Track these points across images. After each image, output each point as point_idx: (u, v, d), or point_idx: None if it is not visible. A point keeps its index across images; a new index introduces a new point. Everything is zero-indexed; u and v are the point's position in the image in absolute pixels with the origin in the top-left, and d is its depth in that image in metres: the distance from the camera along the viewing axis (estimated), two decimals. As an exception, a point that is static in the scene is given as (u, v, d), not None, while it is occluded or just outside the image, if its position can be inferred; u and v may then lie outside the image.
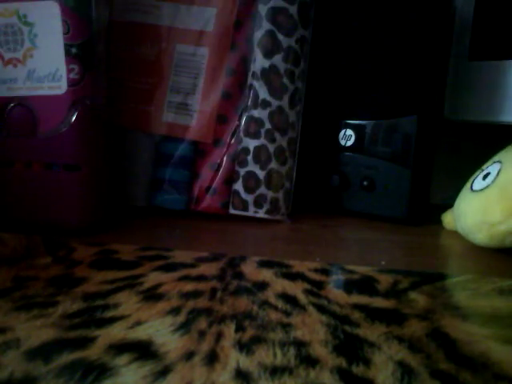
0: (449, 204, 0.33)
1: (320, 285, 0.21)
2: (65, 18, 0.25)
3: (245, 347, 0.15)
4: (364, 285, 0.21)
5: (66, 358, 0.14)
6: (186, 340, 0.15)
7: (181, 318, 0.17)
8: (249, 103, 0.32)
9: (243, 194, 0.32)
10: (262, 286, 0.20)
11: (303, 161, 0.36)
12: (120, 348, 0.15)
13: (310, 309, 0.18)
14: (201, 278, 0.21)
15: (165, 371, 0.14)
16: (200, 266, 0.22)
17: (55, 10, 0.25)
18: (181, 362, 0.14)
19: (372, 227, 0.33)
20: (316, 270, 0.22)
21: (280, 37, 0.32)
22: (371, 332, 0.17)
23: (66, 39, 0.25)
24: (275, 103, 0.32)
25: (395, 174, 0.33)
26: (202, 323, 0.16)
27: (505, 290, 0.21)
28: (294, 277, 0.21)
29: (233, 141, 0.32)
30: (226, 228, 0.31)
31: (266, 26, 0.32)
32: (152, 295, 0.18)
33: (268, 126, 0.32)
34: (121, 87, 0.32)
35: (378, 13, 0.34)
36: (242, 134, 0.32)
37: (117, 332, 0.16)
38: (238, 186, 0.32)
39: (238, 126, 0.32)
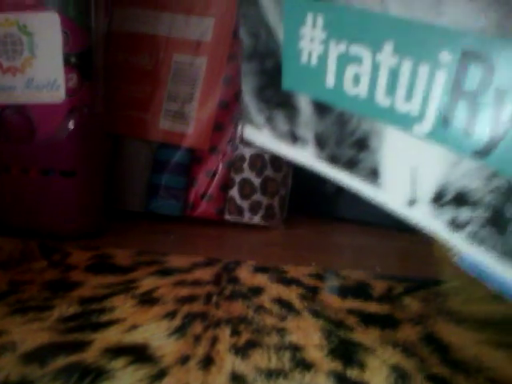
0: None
1: (315, 290, 0.21)
2: (64, 29, 0.25)
3: (240, 351, 0.15)
4: (359, 290, 0.21)
5: (62, 361, 0.14)
6: (181, 344, 0.15)
7: (176, 322, 0.17)
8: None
9: (238, 201, 0.32)
10: (257, 290, 0.20)
11: (299, 167, 0.36)
12: (116, 351, 0.15)
13: (305, 313, 0.18)
14: (196, 283, 0.21)
15: (160, 375, 0.14)
16: (195, 271, 0.22)
17: (55, 20, 0.25)
18: (176, 366, 0.14)
19: (367, 233, 0.33)
20: (311, 275, 0.22)
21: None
22: (366, 336, 0.17)
23: (65, 49, 0.25)
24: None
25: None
26: (198, 327, 0.17)
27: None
28: (289, 282, 0.21)
29: (229, 148, 0.32)
30: (221, 234, 0.31)
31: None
32: (148, 299, 0.19)
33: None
34: (118, 96, 0.32)
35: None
36: (237, 142, 0.32)
37: (113, 335, 0.16)
38: (234, 192, 0.32)
39: (234, 133, 0.32)
